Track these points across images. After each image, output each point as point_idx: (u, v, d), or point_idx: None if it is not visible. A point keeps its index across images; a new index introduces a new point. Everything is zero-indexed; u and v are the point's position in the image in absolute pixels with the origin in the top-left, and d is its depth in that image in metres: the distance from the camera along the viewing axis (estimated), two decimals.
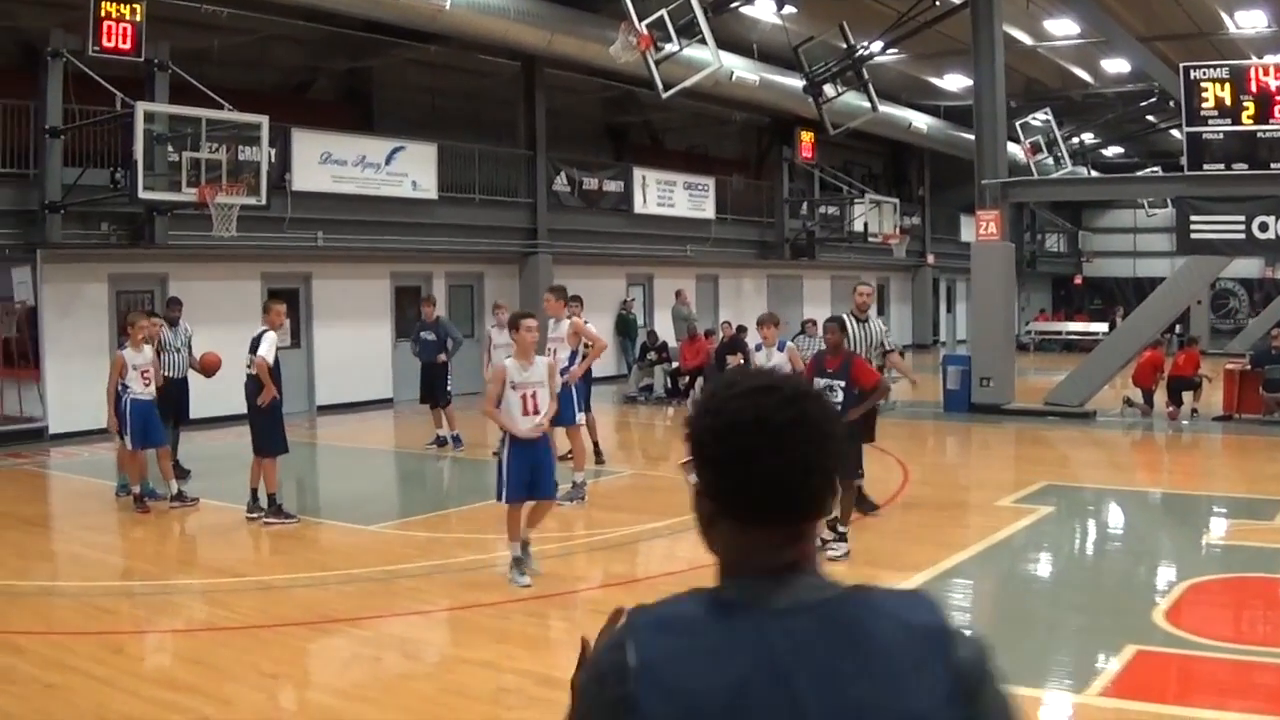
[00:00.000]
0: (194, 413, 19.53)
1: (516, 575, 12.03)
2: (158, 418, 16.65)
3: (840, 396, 13.07)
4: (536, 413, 12.09)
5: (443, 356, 22.19)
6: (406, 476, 21.55)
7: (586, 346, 17.68)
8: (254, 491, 15.68)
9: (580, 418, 17.36)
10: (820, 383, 13.09)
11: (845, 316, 15.68)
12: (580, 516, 15.96)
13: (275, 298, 17.71)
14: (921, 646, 2.44)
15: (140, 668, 9.75)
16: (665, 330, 35.57)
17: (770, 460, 2.46)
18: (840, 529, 13.16)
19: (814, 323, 30.19)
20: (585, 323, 18.47)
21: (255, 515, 15.62)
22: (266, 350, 15.53)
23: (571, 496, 16.48)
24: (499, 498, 12.19)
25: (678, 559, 12.58)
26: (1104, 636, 10.11)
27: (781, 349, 15.27)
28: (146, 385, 16.45)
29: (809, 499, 2.52)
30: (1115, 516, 16.94)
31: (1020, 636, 10.31)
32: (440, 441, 22.26)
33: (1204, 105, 24.93)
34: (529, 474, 12.04)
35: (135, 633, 10.87)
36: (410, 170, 29.97)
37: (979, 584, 12.83)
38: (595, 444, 20.17)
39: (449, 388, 22.47)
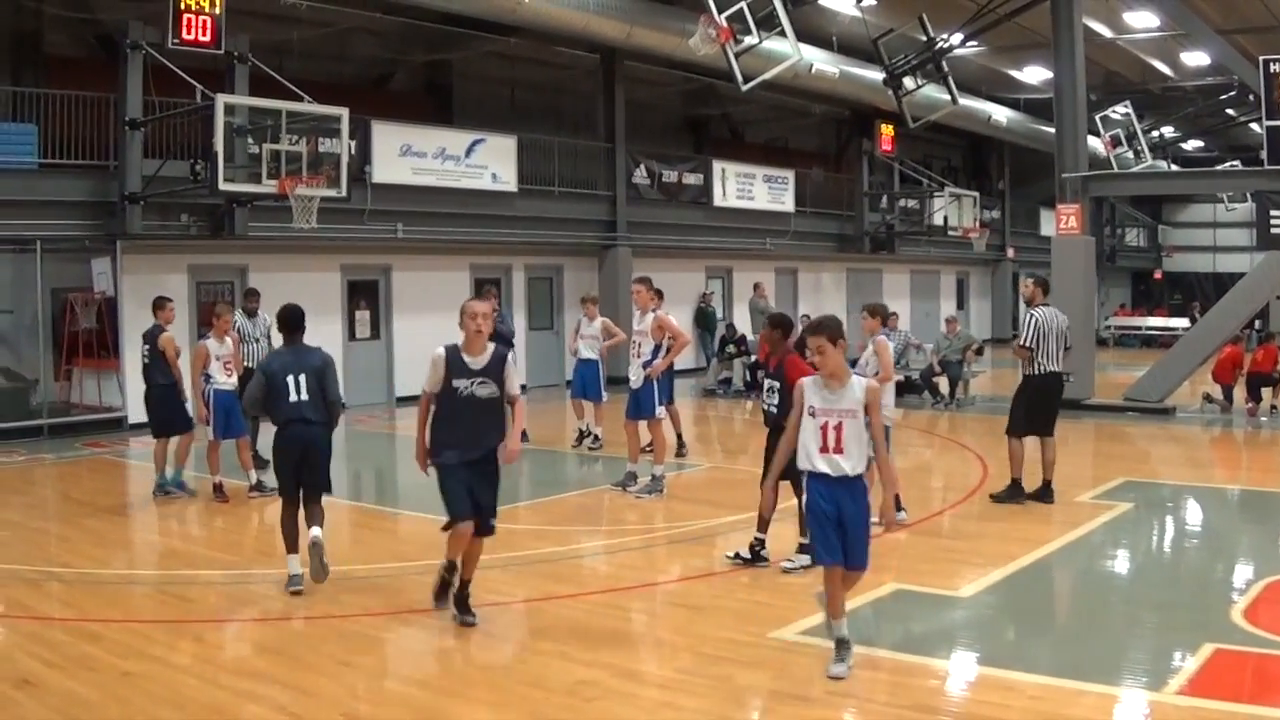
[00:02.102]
0: None
1: (835, 663, 9.07)
2: (240, 408, 16.66)
3: (777, 399, 12.39)
4: (839, 451, 9.07)
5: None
6: None
7: (671, 340, 17.51)
8: None
9: (661, 411, 17.22)
10: (766, 383, 12.80)
11: (1037, 310, 16.13)
12: (659, 509, 15.85)
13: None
14: (317, 353, 11.94)
15: (218, 656, 9.76)
16: (744, 323, 35.45)
17: (287, 318, 12.10)
18: (801, 540, 12.25)
19: (895, 316, 30.05)
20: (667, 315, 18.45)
21: None
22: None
23: (650, 489, 16.43)
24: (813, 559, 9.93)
25: None
26: (1182, 634, 9.92)
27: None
28: (229, 375, 16.47)
29: (296, 329, 11.97)
30: (1194, 514, 16.65)
31: (1098, 633, 10.14)
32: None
33: None
34: (837, 531, 9.14)
35: (213, 621, 10.83)
36: (490, 163, 29.99)
37: (1058, 580, 12.64)
38: (679, 435, 20.14)
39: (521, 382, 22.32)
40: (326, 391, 11.78)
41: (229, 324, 16.95)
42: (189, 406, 16.85)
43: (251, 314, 19.13)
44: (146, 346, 16.85)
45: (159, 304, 17.24)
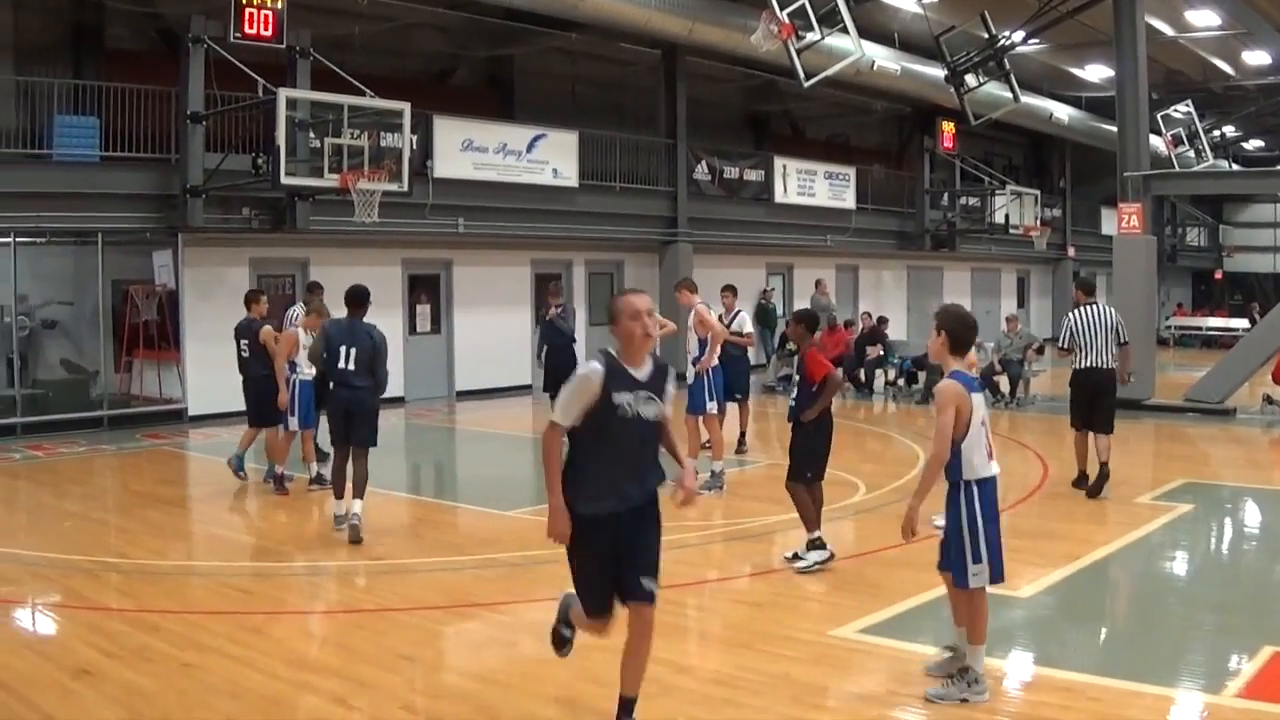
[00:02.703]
0: None
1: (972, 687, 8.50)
2: (314, 400, 16.70)
3: (796, 393, 12.47)
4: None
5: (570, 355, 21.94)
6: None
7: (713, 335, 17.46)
8: None
9: (712, 406, 16.90)
10: (794, 377, 12.83)
11: (1074, 311, 16.99)
12: (718, 506, 15.78)
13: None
14: (373, 332, 13.86)
15: (276, 648, 9.70)
16: None
17: (350, 295, 13.99)
18: (809, 535, 12.22)
19: None
20: (737, 312, 18.63)
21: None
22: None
23: (709, 485, 16.32)
24: (964, 580, 8.62)
25: None
26: (1240, 637, 9.77)
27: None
28: (312, 366, 16.52)
29: (356, 305, 13.89)
30: (1254, 516, 16.45)
31: (1156, 635, 10.04)
32: None
33: None
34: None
35: (271, 613, 10.83)
36: (551, 158, 30.01)
37: (1116, 581, 12.50)
38: (742, 432, 20.01)
39: None
40: (375, 368, 13.80)
41: (318, 323, 17.04)
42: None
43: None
44: (244, 340, 17.17)
45: (252, 298, 17.66)
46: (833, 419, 12.52)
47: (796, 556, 12.39)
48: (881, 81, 35.08)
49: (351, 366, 13.65)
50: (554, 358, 22.15)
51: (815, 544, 12.18)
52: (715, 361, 16.95)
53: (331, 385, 13.99)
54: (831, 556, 12.15)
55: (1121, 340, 16.57)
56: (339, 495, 13.97)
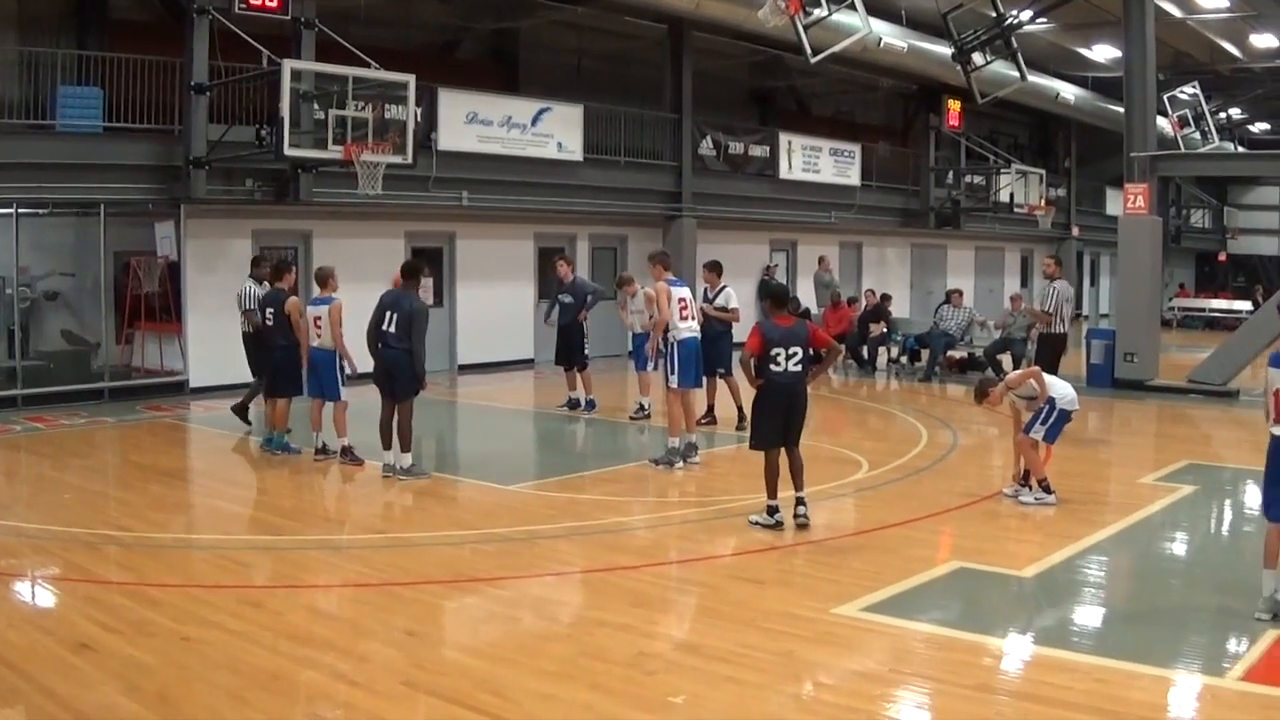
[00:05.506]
0: None
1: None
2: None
3: None
4: None
5: (582, 315, 21.96)
6: (545, 437, 21.47)
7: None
8: None
9: (673, 380, 16.77)
10: None
11: (1058, 282, 21.62)
12: (719, 483, 15.75)
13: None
14: (413, 301, 15.43)
15: (277, 622, 9.63)
16: (808, 297, 35.25)
17: (403, 267, 16.42)
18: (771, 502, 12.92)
19: (960, 293, 29.81)
20: (721, 288, 19.21)
21: None
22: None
23: (664, 460, 16.45)
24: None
25: (815, 526, 12.37)
26: (1243, 620, 9.70)
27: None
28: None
29: (407, 276, 15.91)
30: (1256, 498, 16.32)
31: (1159, 616, 9.99)
32: (573, 404, 22.14)
33: None
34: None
35: (272, 587, 10.81)
36: (556, 131, 29.88)
37: (1117, 562, 12.43)
38: (739, 407, 19.92)
39: (585, 350, 22.22)
40: (410, 333, 15.42)
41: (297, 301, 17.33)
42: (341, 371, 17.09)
43: (261, 281, 18.88)
44: (270, 310, 17.38)
45: (282, 269, 17.89)
46: (783, 394, 13.19)
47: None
48: (888, 59, 34.90)
49: (391, 329, 15.49)
50: (560, 332, 22.26)
51: (770, 509, 12.70)
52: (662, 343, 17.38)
53: (379, 347, 15.72)
54: (778, 525, 12.67)
55: (1076, 311, 19.81)
56: (386, 446, 15.80)
